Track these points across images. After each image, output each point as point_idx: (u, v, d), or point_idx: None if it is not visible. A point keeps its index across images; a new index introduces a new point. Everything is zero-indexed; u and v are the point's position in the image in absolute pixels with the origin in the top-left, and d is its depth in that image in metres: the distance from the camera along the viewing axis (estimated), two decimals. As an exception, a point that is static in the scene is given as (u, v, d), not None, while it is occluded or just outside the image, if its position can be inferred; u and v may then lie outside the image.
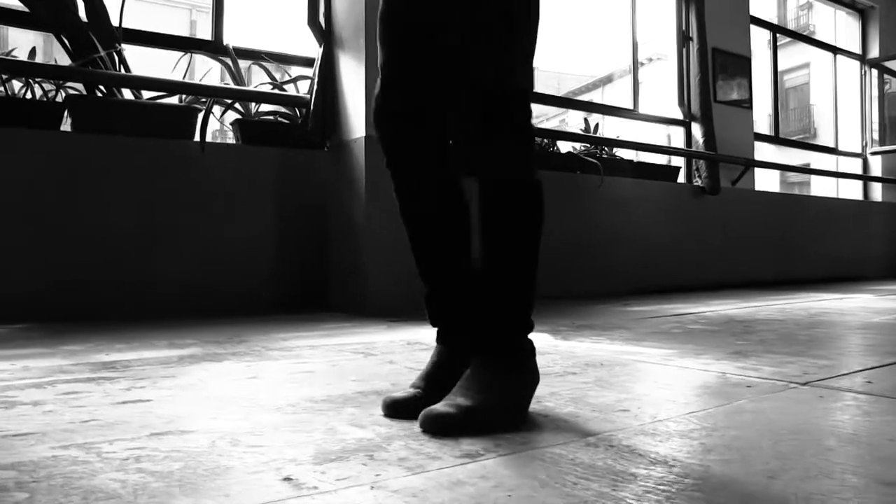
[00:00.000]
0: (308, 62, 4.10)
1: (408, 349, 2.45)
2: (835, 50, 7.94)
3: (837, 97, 8.29)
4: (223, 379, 1.88)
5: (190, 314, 3.48)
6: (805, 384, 1.81)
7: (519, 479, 1.07)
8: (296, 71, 4.17)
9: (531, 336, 1.51)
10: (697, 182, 6.05)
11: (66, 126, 3.39)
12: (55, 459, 1.13)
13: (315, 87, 3.78)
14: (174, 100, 3.71)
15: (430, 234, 1.57)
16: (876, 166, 8.10)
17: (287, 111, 4.05)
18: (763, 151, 6.67)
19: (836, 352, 2.41)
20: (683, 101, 6.07)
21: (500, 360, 1.43)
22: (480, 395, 1.36)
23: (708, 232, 5.99)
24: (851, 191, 8.37)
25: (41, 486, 1.01)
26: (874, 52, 8.04)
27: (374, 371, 2.02)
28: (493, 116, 1.41)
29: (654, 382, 1.87)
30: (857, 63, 8.16)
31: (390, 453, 1.19)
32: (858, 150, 8.16)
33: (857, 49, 8.11)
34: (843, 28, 8.31)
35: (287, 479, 1.06)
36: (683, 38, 6.00)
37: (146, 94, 3.62)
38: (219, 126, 4.21)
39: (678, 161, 6.19)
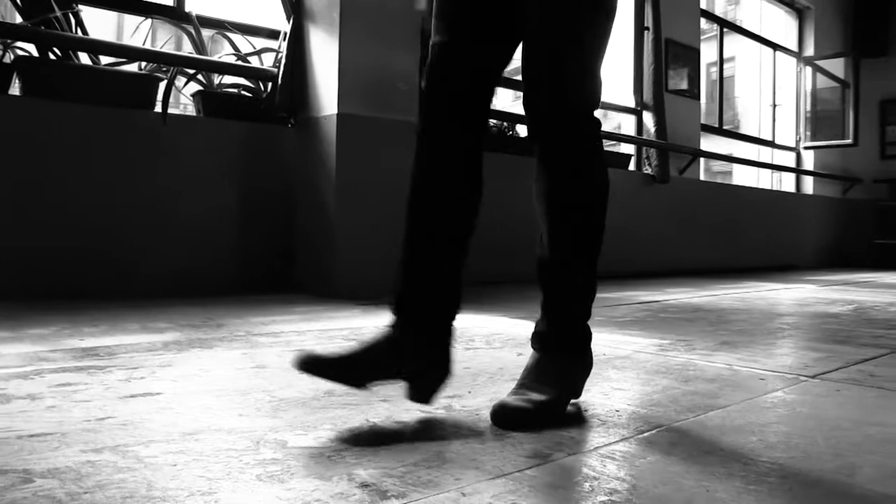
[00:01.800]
0: (273, 34, 3.93)
1: (398, 336, 2.37)
2: (774, 46, 8.15)
3: (775, 92, 8.55)
4: (225, 369, 1.77)
5: (151, 293, 3.30)
6: (814, 377, 1.83)
7: (608, 481, 1.02)
8: (260, 43, 3.98)
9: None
10: (647, 170, 6.12)
11: (14, 90, 3.14)
12: (94, 466, 1.02)
13: (283, 60, 3.62)
14: (133, 67, 3.49)
15: (435, 200, 1.42)
16: (808, 160, 8.40)
17: (251, 84, 3.87)
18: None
19: (818, 343, 2.45)
20: (638, 90, 6.13)
21: (567, 351, 1.42)
22: (552, 388, 1.35)
23: (657, 219, 6.08)
24: (773, 182, 8.66)
25: (98, 499, 0.90)
26: (809, 50, 8.30)
27: (377, 360, 1.94)
28: (560, 124, 1.38)
29: (668, 374, 1.84)
30: (784, 58, 8.40)
31: (455, 454, 1.13)
32: (792, 144, 8.44)
33: (793, 46, 8.35)
34: (780, 25, 8.52)
35: (364, 485, 0.98)
36: (640, 28, 6.04)
37: (103, 60, 3.39)
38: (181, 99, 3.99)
39: (629, 149, 6.25)
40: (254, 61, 3.89)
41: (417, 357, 1.36)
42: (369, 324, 2.65)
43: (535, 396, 1.32)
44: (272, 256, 3.79)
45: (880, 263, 8.63)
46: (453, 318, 1.42)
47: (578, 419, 1.36)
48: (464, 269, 1.44)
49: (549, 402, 1.32)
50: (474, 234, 1.45)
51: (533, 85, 1.37)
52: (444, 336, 1.40)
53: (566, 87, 1.35)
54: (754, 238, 7.33)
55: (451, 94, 1.40)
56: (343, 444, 1.16)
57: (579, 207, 1.41)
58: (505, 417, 1.29)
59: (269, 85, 3.78)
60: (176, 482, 0.96)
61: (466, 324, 2.70)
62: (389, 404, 1.45)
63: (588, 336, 1.47)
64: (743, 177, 9.45)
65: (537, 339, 1.44)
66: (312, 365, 1.27)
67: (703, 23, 6.96)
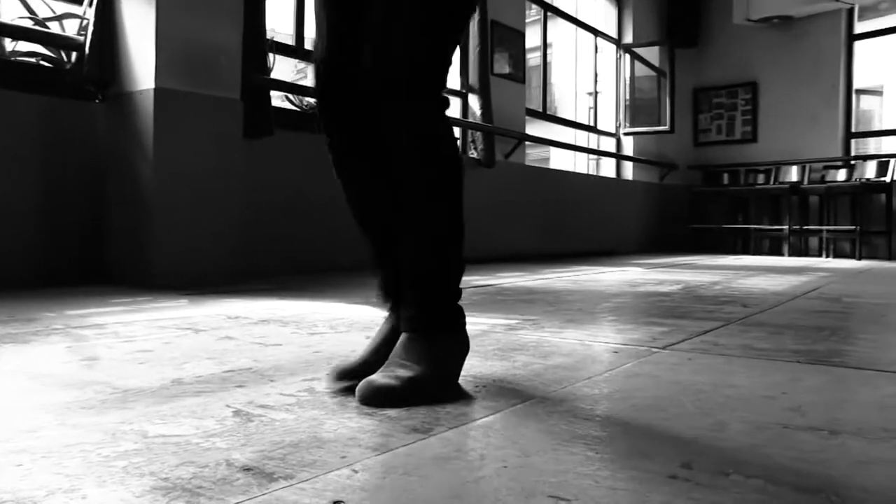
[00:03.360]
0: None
1: (237, 324, 2.23)
2: (596, 32, 8.46)
3: (596, 79, 8.83)
4: (50, 363, 1.57)
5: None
6: (664, 348, 1.90)
7: (497, 450, 1.01)
8: (61, 8, 3.59)
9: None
10: (473, 154, 6.15)
11: None
12: None
13: (91, 28, 3.28)
14: None
15: (379, 209, 1.50)
16: (628, 146, 8.79)
17: (51, 54, 3.48)
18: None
19: (660, 318, 2.55)
20: (464, 72, 6.14)
21: (434, 329, 1.36)
22: (419, 365, 1.30)
23: (484, 204, 6.10)
24: (589, 167, 9.06)
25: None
26: (628, 38, 8.68)
27: (221, 348, 1.81)
28: (393, 88, 1.34)
29: (524, 350, 1.86)
30: (604, 46, 8.77)
31: (333, 434, 1.06)
32: (612, 130, 8.81)
33: (613, 34, 8.74)
34: (601, 13, 8.65)
35: (247, 469, 0.89)
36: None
37: None
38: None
39: (454, 132, 6.28)
40: (53, 27, 3.50)
41: None
42: (199, 313, 2.47)
43: (403, 373, 1.28)
44: (79, 251, 3.45)
45: (696, 247, 9.08)
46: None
47: (449, 396, 1.33)
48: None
49: (416, 379, 1.28)
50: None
51: (373, 39, 1.33)
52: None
53: (402, 38, 1.32)
54: (579, 223, 7.54)
55: (351, 109, 1.44)
56: (209, 431, 1.06)
57: (431, 181, 1.39)
58: (372, 395, 1.24)
59: (74, 55, 3.42)
60: (27, 482, 0.83)
61: (304, 310, 2.60)
62: (247, 389, 1.35)
63: (459, 316, 1.42)
64: (560, 162, 9.70)
65: (405, 320, 1.39)
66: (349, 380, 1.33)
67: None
